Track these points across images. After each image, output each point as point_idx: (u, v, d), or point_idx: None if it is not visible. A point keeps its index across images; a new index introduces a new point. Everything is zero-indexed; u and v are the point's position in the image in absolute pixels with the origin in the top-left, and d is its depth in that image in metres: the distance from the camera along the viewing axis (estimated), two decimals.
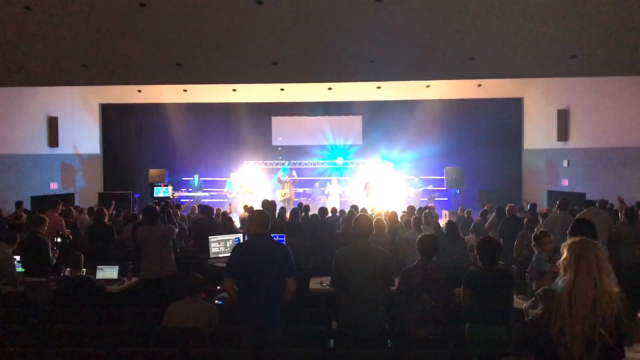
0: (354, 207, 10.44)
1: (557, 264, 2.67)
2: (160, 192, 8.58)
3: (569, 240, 2.62)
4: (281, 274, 4.30)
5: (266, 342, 4.25)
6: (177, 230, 7.10)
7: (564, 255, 2.57)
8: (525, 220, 8.55)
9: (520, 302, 5.50)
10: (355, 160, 18.35)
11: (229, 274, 4.35)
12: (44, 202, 12.11)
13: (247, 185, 16.61)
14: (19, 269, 6.80)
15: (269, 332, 4.29)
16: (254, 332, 4.29)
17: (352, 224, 4.64)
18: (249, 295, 4.30)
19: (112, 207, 12.29)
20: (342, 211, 11.50)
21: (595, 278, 2.43)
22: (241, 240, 7.84)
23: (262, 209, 7.11)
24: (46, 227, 6.96)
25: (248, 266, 4.28)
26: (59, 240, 7.44)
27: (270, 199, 9.80)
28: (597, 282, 2.43)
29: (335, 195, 16.77)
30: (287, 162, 18.13)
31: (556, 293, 2.49)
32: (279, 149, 18.68)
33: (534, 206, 10.42)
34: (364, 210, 10.20)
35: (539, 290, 2.62)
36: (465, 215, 11.40)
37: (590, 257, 2.47)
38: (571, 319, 2.40)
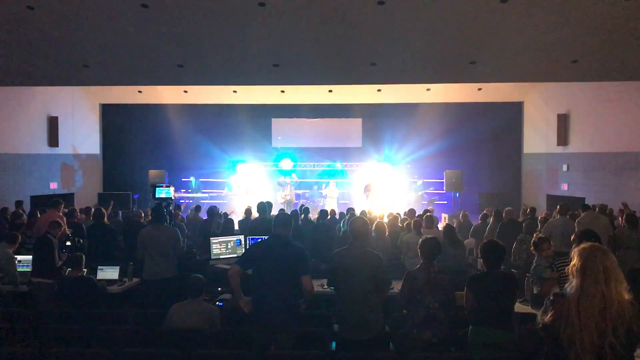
0: (350, 210, 10.44)
1: (565, 269, 2.68)
2: (162, 192, 8.54)
3: (580, 246, 2.62)
4: (296, 275, 4.30)
5: (279, 343, 4.26)
6: (180, 233, 7.08)
7: (574, 260, 2.57)
8: (524, 224, 8.55)
9: (519, 307, 5.51)
10: (355, 163, 18.35)
11: (240, 261, 4.44)
12: (44, 202, 12.10)
13: (245, 186, 16.61)
14: (25, 269, 6.80)
15: (282, 333, 4.29)
16: (267, 332, 4.30)
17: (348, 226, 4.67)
18: (263, 294, 4.31)
19: (111, 207, 12.27)
20: (342, 213, 11.49)
21: (602, 287, 2.42)
22: (242, 242, 7.85)
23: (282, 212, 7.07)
24: (60, 232, 6.99)
25: (262, 263, 4.32)
26: (68, 243, 7.43)
27: (265, 200, 9.80)
28: (604, 291, 2.42)
29: (333, 198, 16.77)
30: (290, 163, 18.12)
31: (565, 300, 2.49)
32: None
33: (533, 210, 10.42)
34: (362, 213, 10.21)
35: (550, 296, 2.62)
36: (462, 219, 11.39)
37: (597, 266, 2.46)
38: (580, 327, 2.40)
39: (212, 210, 9.93)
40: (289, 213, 10.32)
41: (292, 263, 4.31)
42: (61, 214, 8.57)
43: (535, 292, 5.30)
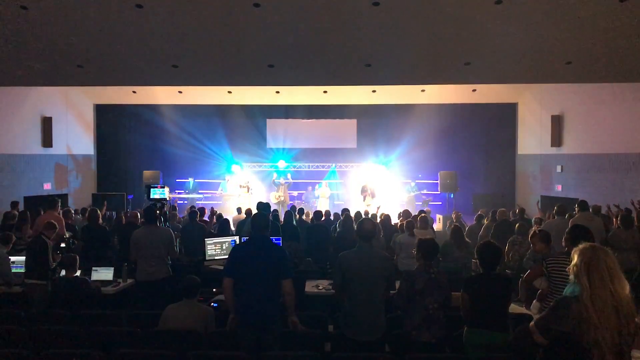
0: (346, 211, 10.44)
1: (567, 269, 2.68)
2: (157, 193, 8.52)
3: (580, 246, 2.62)
4: (277, 276, 4.32)
5: (264, 344, 4.26)
6: (174, 234, 7.05)
7: (575, 261, 2.58)
8: (516, 225, 8.57)
9: (512, 307, 5.52)
10: (350, 164, 18.36)
11: (227, 273, 4.42)
12: (39, 202, 12.06)
13: (245, 185, 16.58)
14: (19, 270, 6.77)
15: (267, 334, 4.30)
16: (251, 334, 4.29)
17: (351, 227, 4.66)
18: (246, 296, 4.32)
19: (105, 208, 12.24)
20: (336, 214, 11.50)
21: (609, 287, 2.44)
22: (237, 243, 7.83)
23: (258, 211, 7.12)
24: (55, 234, 6.97)
25: (245, 266, 4.32)
26: (62, 245, 7.40)
27: (264, 201, 9.79)
28: (612, 290, 2.43)
29: (325, 198, 16.76)
30: (285, 163, 18.10)
31: (581, 303, 2.48)
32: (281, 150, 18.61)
33: (522, 211, 10.45)
34: (358, 214, 10.21)
35: (556, 301, 2.62)
36: (454, 220, 11.40)
37: (601, 266, 2.48)
38: (602, 328, 2.40)
39: (192, 212, 9.87)
40: (284, 214, 10.33)
41: (274, 263, 4.33)
42: (59, 215, 8.52)
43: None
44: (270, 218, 8.92)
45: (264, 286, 4.30)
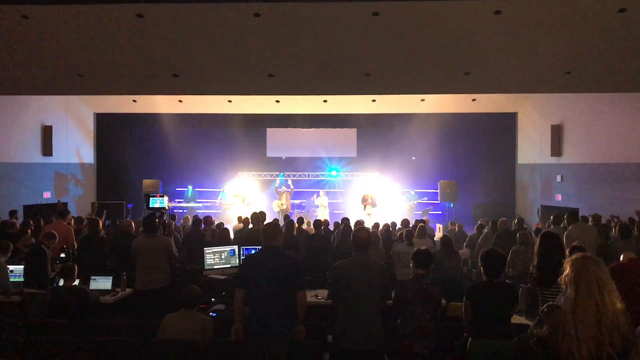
0: (345, 220, 10.43)
1: (559, 279, 2.68)
2: (156, 202, 8.53)
3: (572, 256, 2.63)
4: (290, 287, 4.29)
5: (273, 355, 4.24)
6: (173, 243, 7.03)
7: (566, 271, 2.58)
8: (518, 235, 8.55)
9: (513, 317, 5.50)
10: (350, 173, 18.36)
11: (240, 284, 4.40)
12: (45, 211, 12.01)
13: (241, 195, 16.57)
14: (18, 279, 6.74)
15: (277, 344, 4.26)
16: (262, 344, 4.27)
17: (350, 237, 4.63)
18: (258, 307, 4.28)
19: (104, 216, 12.20)
20: (336, 223, 11.49)
21: (596, 298, 2.44)
22: (236, 252, 7.81)
23: (271, 221, 7.05)
24: (55, 243, 6.95)
25: (257, 277, 4.29)
26: (62, 255, 7.37)
27: (259, 211, 9.77)
28: (598, 302, 2.43)
29: (324, 207, 16.73)
30: (282, 173, 18.11)
31: (561, 311, 2.49)
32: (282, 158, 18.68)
33: (521, 221, 10.41)
34: (357, 223, 10.19)
35: (543, 308, 2.62)
36: (457, 229, 11.41)
37: (590, 277, 2.48)
38: (577, 338, 2.40)
39: (196, 220, 9.87)
40: (283, 222, 10.30)
41: (287, 275, 4.29)
42: (68, 225, 8.48)
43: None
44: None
45: (276, 297, 4.26)
